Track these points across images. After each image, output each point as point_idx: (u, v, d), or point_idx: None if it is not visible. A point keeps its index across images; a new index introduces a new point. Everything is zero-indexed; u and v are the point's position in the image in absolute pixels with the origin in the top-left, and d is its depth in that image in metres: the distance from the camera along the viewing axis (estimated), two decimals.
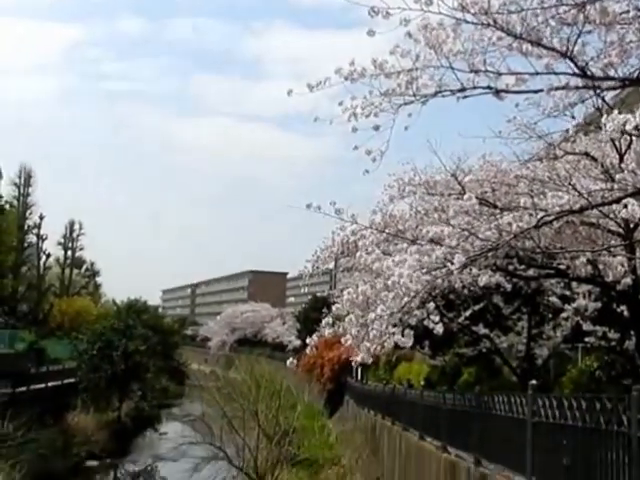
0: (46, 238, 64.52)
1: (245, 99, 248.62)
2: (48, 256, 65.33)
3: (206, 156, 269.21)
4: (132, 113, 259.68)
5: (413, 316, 9.66)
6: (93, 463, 37.28)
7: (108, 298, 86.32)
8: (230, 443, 25.27)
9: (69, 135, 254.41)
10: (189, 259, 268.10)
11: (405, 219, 12.05)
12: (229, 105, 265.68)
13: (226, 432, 25.55)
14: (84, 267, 79.24)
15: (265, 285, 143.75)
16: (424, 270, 8.31)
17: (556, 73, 8.18)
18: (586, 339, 15.62)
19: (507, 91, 8.30)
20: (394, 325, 8.83)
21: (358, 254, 10.39)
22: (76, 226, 73.42)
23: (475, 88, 8.19)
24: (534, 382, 8.75)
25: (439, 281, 8.65)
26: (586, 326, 15.22)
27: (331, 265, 16.73)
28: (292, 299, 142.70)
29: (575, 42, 7.91)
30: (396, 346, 9.56)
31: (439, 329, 10.19)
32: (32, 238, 62.74)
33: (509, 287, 13.85)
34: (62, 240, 72.11)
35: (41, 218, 62.93)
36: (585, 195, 8.32)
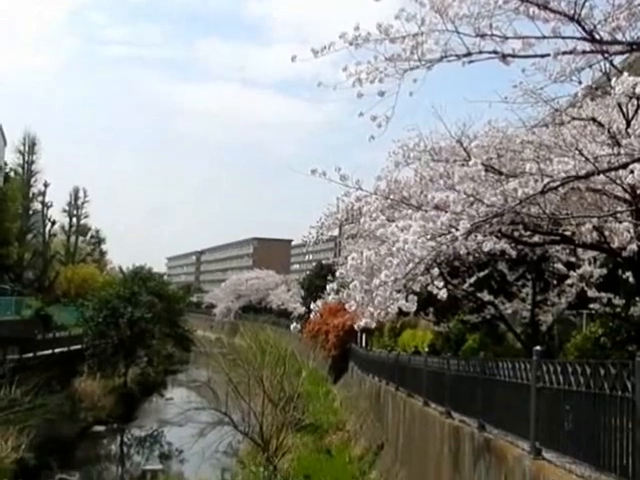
0: (51, 205, 64.70)
1: (249, 64, 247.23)
2: (53, 223, 65.56)
3: (209, 122, 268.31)
4: (135, 79, 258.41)
5: (417, 282, 9.65)
6: (100, 428, 37.74)
7: (114, 265, 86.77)
8: (235, 409, 25.50)
9: (72, 102, 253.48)
10: (194, 226, 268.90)
11: (410, 185, 11.99)
12: (233, 71, 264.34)
13: (231, 398, 25.76)
14: (89, 234, 79.52)
15: (270, 252, 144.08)
16: (429, 236, 8.29)
17: (563, 37, 8.06)
18: (591, 305, 15.61)
19: (513, 55, 8.18)
20: (398, 291, 8.84)
21: (362, 220, 10.38)
22: (80, 193, 73.53)
23: (481, 53, 8.08)
24: (538, 348, 8.75)
25: (444, 247, 8.64)
26: (591, 292, 15.20)
27: (335, 232, 16.74)
28: (296, 266, 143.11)
29: (582, 5, 7.78)
30: (400, 312, 9.59)
31: (443, 295, 10.19)
32: (37, 206, 62.91)
33: (514, 254, 13.79)
34: (67, 207, 72.29)
35: (46, 186, 63.01)
36: (591, 160, 8.25)
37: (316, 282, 52.63)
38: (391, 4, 7.95)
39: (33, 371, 33.03)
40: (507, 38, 8.01)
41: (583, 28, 7.92)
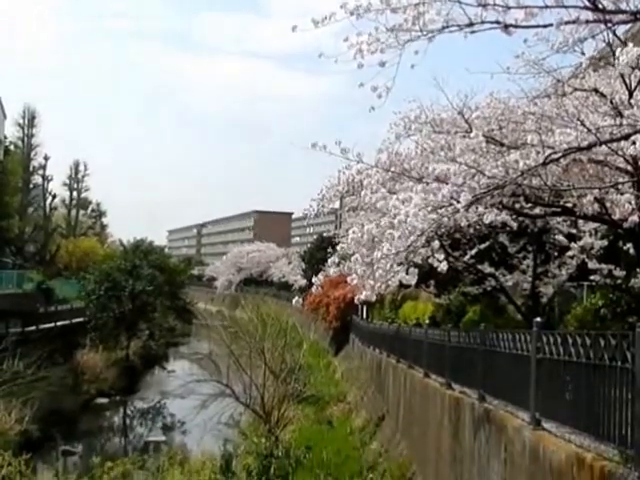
0: (51, 179, 64.59)
1: (249, 37, 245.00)
2: (54, 197, 65.52)
3: (210, 95, 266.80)
4: (135, 52, 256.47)
5: (418, 255, 9.66)
6: (103, 400, 38.05)
7: (115, 239, 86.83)
8: (237, 381, 25.64)
9: (72, 76, 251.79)
10: (194, 199, 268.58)
11: (411, 158, 11.92)
12: (233, 43, 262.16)
13: (233, 370, 25.90)
14: (90, 208, 79.45)
15: (270, 225, 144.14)
16: (430, 208, 8.28)
17: (566, 7, 7.96)
18: (591, 277, 15.65)
19: (516, 26, 8.09)
20: (399, 264, 8.84)
21: (363, 193, 10.34)
22: (81, 167, 73.42)
23: (483, 23, 7.98)
24: (539, 319, 8.77)
25: (445, 219, 8.63)
26: (592, 264, 15.22)
27: (336, 205, 16.70)
28: (297, 239, 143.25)
29: None
30: (401, 285, 9.61)
31: (444, 267, 10.19)
32: (37, 179, 62.80)
33: (515, 226, 13.79)
34: (67, 181, 72.17)
35: (46, 159, 62.84)
36: (593, 132, 8.21)
37: (317, 255, 52.71)
38: None
39: (35, 344, 33.22)
40: (509, 8, 7.91)
41: None
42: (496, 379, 10.47)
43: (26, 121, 60.19)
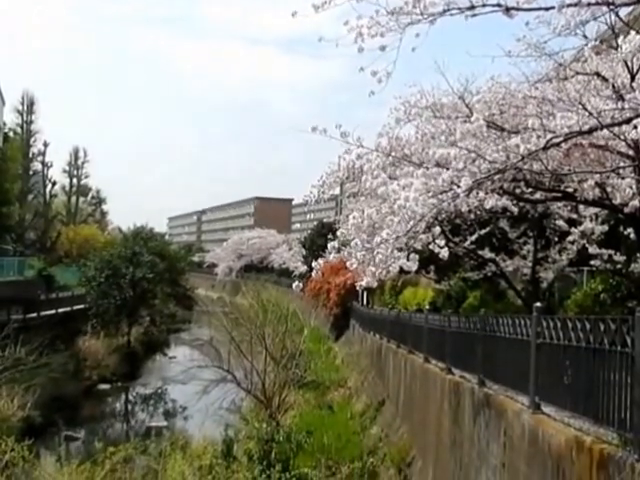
0: (51, 165, 64.45)
1: (250, 22, 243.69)
2: (54, 184, 65.39)
3: (210, 80, 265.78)
4: (136, 37, 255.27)
5: (418, 240, 9.65)
6: (105, 386, 38.20)
7: (115, 226, 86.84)
8: (238, 366, 25.72)
9: (70, 62, 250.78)
10: (195, 186, 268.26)
11: (411, 142, 11.88)
12: (234, 29, 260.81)
13: (234, 356, 25.97)
14: (90, 195, 79.30)
15: (271, 212, 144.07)
16: (430, 194, 8.25)
17: None
18: (592, 262, 15.64)
19: (517, 8, 8.03)
20: (399, 249, 8.82)
21: (364, 179, 10.31)
22: (81, 153, 73.19)
23: (484, 6, 7.92)
24: (539, 304, 8.77)
25: (445, 205, 8.59)
26: (592, 249, 15.20)
27: (337, 191, 16.64)
28: (298, 225, 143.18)
29: None
30: (401, 271, 9.58)
31: (444, 253, 10.18)
32: (37, 166, 62.64)
33: (515, 211, 13.75)
34: (67, 168, 72.02)
35: (45, 145, 62.67)
36: (595, 115, 8.17)
37: (317, 241, 52.73)
38: None
39: (37, 331, 33.31)
40: None
41: None
42: (496, 364, 10.49)
43: (25, 107, 60.00)
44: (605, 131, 8.63)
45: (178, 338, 59.59)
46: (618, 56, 9.67)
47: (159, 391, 39.34)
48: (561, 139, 8.24)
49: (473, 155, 8.40)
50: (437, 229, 10.22)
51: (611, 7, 8.23)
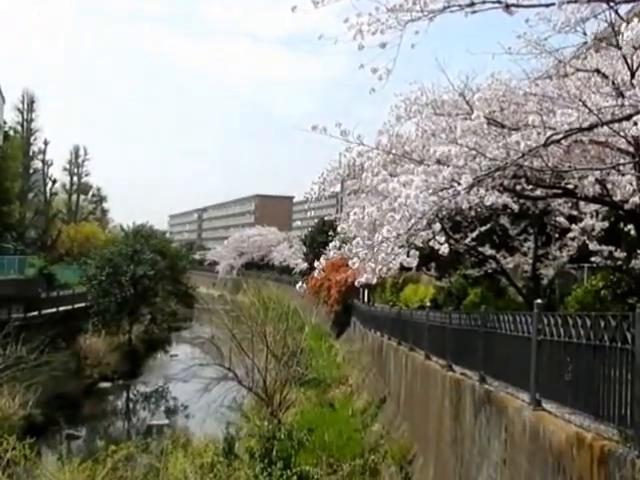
0: (51, 164, 64.53)
1: (251, 21, 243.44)
2: (54, 182, 65.49)
3: (210, 79, 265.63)
4: (136, 35, 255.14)
5: (419, 237, 9.64)
6: (106, 385, 38.23)
7: (116, 224, 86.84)
8: (239, 364, 25.74)
9: (72, 59, 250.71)
10: (195, 184, 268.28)
11: (412, 140, 11.89)
12: (235, 27, 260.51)
13: (235, 354, 25.99)
14: (90, 193, 79.35)
15: (271, 209, 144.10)
16: (431, 191, 8.24)
17: None
18: (592, 259, 15.63)
19: (517, 5, 8.02)
20: (400, 246, 8.82)
21: (364, 176, 10.31)
22: (81, 151, 73.31)
23: (485, 3, 7.91)
24: (539, 301, 8.78)
25: (446, 202, 8.58)
26: (592, 246, 15.20)
27: (337, 188, 16.66)
28: (298, 223, 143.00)
29: None
30: (402, 268, 9.59)
31: (445, 250, 10.18)
32: (38, 164, 62.70)
33: (516, 208, 13.77)
34: (67, 166, 72.06)
35: (46, 144, 62.74)
36: (595, 112, 8.16)
37: (318, 238, 52.71)
38: None
39: (38, 329, 33.30)
40: None
41: None
42: (497, 361, 10.50)
43: (25, 106, 60.04)
44: (605, 128, 8.63)
45: (179, 336, 59.60)
46: (618, 52, 9.68)
47: (160, 389, 39.38)
48: (561, 136, 8.23)
49: (473, 152, 8.40)
50: (438, 226, 10.19)
51: (611, 4, 8.23)
